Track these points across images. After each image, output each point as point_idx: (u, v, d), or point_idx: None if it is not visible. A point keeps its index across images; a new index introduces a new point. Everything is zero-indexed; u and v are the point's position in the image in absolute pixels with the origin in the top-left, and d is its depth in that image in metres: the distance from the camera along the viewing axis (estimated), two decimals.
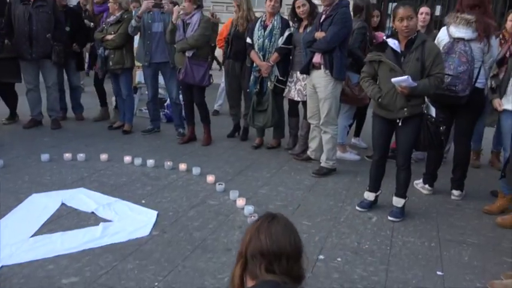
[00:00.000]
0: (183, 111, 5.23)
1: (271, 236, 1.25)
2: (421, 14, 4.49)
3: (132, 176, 3.99)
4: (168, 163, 4.22)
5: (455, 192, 3.86)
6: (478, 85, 3.59)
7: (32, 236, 2.81)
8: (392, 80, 3.06)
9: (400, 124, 3.23)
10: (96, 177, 3.93)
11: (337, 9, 3.91)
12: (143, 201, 3.45)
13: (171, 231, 2.99)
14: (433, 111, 3.22)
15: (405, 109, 3.16)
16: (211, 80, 4.84)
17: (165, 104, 6.03)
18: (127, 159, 4.30)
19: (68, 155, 4.28)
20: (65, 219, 3.09)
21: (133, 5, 5.62)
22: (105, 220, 3.08)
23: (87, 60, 7.26)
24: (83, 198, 3.40)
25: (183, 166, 4.18)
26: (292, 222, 1.34)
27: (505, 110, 3.64)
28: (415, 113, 3.18)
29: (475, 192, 4.01)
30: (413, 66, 3.07)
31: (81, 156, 4.29)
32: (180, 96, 5.38)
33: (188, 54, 4.70)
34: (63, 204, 3.30)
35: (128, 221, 3.08)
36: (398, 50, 3.15)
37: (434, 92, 3.33)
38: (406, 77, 3.00)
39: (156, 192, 3.66)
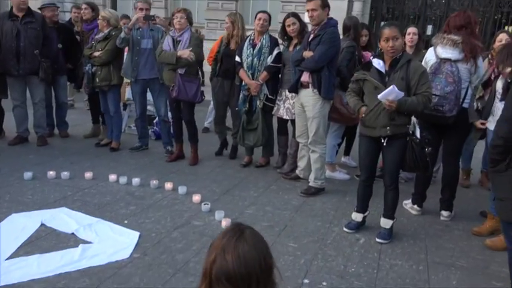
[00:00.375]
0: (172, 128, 5.19)
1: (238, 257, 1.12)
2: (409, 34, 4.51)
3: (117, 195, 3.92)
4: (154, 182, 4.14)
5: (445, 213, 3.82)
6: (465, 105, 3.58)
7: (8, 259, 2.72)
8: (379, 96, 3.04)
9: (385, 144, 3.21)
10: (80, 196, 3.85)
11: (326, 29, 3.91)
12: (126, 222, 3.37)
13: (152, 254, 2.90)
14: (418, 132, 3.19)
15: (388, 127, 3.14)
16: (203, 97, 4.83)
17: (154, 121, 5.98)
18: (112, 177, 4.23)
19: (51, 173, 4.20)
20: (43, 240, 3.00)
21: (124, 22, 5.62)
22: (85, 241, 3.00)
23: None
24: (63, 218, 3.31)
25: (169, 185, 4.11)
26: (262, 236, 1.23)
27: (490, 130, 3.63)
28: (400, 133, 3.16)
29: (465, 213, 3.97)
30: (398, 85, 3.06)
31: (65, 174, 4.21)
32: (169, 113, 5.35)
33: (180, 71, 4.68)
34: (42, 224, 3.21)
35: (109, 242, 3.00)
36: (383, 70, 3.16)
37: (422, 112, 3.32)
38: (391, 87, 2.99)
39: (140, 212, 3.58)
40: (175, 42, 4.70)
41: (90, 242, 2.99)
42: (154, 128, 5.96)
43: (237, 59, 4.73)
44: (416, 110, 3.14)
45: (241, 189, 4.25)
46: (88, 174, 4.26)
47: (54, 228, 3.16)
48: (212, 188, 4.24)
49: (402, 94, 3.01)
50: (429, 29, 11.35)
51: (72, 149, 5.30)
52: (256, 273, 1.13)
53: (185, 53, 4.56)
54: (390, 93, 2.99)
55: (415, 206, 3.92)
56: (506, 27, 10.70)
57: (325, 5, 3.93)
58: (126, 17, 6.37)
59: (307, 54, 3.94)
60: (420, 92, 3.08)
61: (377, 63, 3.17)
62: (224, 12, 12.79)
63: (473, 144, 4.62)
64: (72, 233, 3.10)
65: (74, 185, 4.07)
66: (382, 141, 3.20)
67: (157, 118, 5.75)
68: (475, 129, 3.48)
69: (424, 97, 3.08)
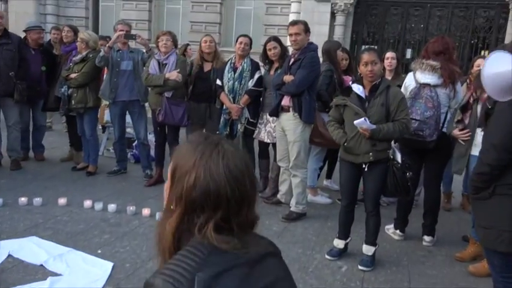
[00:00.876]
0: (154, 151, 5.08)
1: (229, 172, 0.90)
2: (387, 59, 4.55)
3: (91, 222, 3.76)
4: (131, 208, 4.01)
5: (427, 238, 3.77)
6: (445, 130, 3.58)
7: None
8: (354, 122, 3.04)
9: (366, 169, 3.17)
10: (52, 223, 3.68)
11: (306, 53, 3.91)
12: (99, 251, 3.22)
13: (126, 286, 2.77)
14: (399, 157, 3.18)
15: (370, 153, 3.12)
16: (190, 120, 4.79)
17: (134, 144, 5.86)
18: (87, 203, 4.08)
19: (23, 199, 4.03)
20: (9, 273, 2.83)
21: (101, 43, 5.54)
22: (54, 274, 2.84)
23: None
24: (33, 249, 3.15)
25: (146, 211, 3.98)
26: (238, 147, 1.06)
27: (472, 155, 3.63)
28: (381, 158, 3.14)
29: (447, 237, 3.93)
30: (378, 112, 3.05)
31: (37, 200, 4.05)
32: (149, 136, 5.25)
33: (168, 94, 4.63)
34: (10, 255, 3.04)
35: (80, 274, 2.85)
36: (363, 95, 3.15)
37: (403, 137, 3.32)
38: (362, 119, 3.01)
39: (115, 240, 3.44)
40: (161, 66, 4.65)
41: (59, 274, 2.83)
42: (134, 151, 5.84)
43: (218, 82, 4.68)
44: (391, 137, 3.14)
45: None
46: (62, 201, 4.10)
47: (21, 260, 2.99)
48: None
49: (373, 127, 3.03)
50: (409, 53, 11.60)
51: (47, 173, 5.13)
52: (247, 191, 0.93)
53: (173, 74, 4.54)
54: (363, 123, 3.02)
55: (398, 231, 3.87)
56: (482, 52, 11.00)
57: (307, 30, 3.96)
58: (104, 38, 6.29)
59: (288, 78, 3.92)
60: (398, 118, 3.08)
61: (357, 88, 3.17)
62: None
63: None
64: (41, 265, 2.94)
65: (46, 212, 3.90)
66: (364, 166, 3.17)
67: (136, 141, 5.64)
68: (457, 159, 3.45)
69: (402, 124, 3.08)
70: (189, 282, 0.84)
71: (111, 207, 4.03)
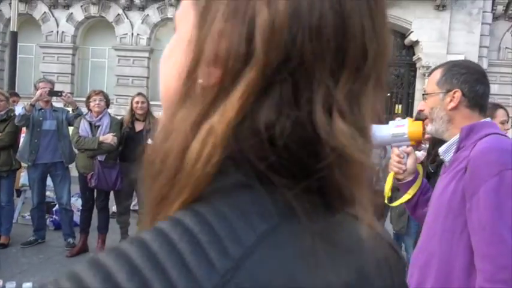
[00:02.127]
0: (80, 217, 4.70)
1: None
2: None
3: None
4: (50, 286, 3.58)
5: None
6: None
7: None
8: None
9: None
10: None
11: None
12: None
13: None
14: None
15: None
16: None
17: (53, 210, 5.37)
18: None
19: None
20: None
21: (13, 99, 5.14)
22: None
23: None
24: None
25: None
26: None
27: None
28: None
29: None
30: None
31: None
32: (72, 199, 4.87)
33: (100, 158, 4.39)
34: None
35: None
36: None
37: None
38: None
39: None
40: (94, 127, 4.41)
41: None
42: (53, 216, 5.34)
43: (150, 142, 4.53)
44: None
45: None
46: None
47: None
48: None
49: None
50: None
51: None
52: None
53: (108, 138, 4.33)
54: None
55: None
56: (396, 106, 12.01)
57: None
58: (16, 94, 5.88)
59: None
60: None
61: None
62: (134, 89, 12.72)
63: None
64: None
65: None
66: None
67: (57, 206, 5.19)
68: (398, 218, 3.54)
69: None
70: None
71: (27, 286, 3.55)
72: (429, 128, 1.51)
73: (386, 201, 1.64)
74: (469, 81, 1.45)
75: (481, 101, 1.47)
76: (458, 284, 1.34)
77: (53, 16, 14.08)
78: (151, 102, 4.87)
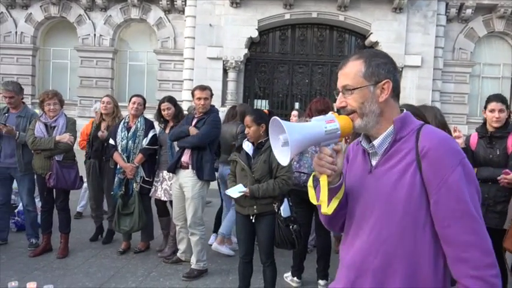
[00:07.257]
0: (40, 217, 4.69)
1: None
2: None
3: None
4: (13, 284, 3.59)
5: (321, 282, 4.00)
6: None
7: None
8: (226, 191, 3.42)
9: (253, 221, 3.35)
10: None
11: (209, 114, 4.13)
12: None
13: None
14: (284, 210, 3.36)
15: (254, 206, 3.31)
16: (82, 182, 4.62)
17: (16, 211, 5.34)
18: None
19: None
20: None
21: None
22: None
23: None
24: None
25: (31, 285, 3.60)
26: None
27: None
28: (266, 211, 3.32)
29: None
30: (261, 168, 3.30)
31: None
32: (36, 200, 4.86)
33: (58, 158, 4.41)
34: None
35: None
36: (250, 153, 3.38)
37: (294, 189, 3.56)
38: (239, 185, 3.31)
39: None
40: (50, 128, 4.42)
41: None
42: (16, 218, 5.31)
43: (111, 141, 4.61)
44: (272, 194, 3.30)
45: (118, 281, 3.93)
46: None
47: None
48: (84, 283, 3.85)
49: (246, 190, 3.25)
50: (296, 105, 12.62)
51: None
52: None
53: (64, 137, 4.37)
54: (232, 192, 3.29)
55: (295, 278, 4.05)
56: None
57: (212, 95, 4.23)
58: None
59: (193, 130, 4.03)
60: (279, 175, 3.31)
61: (246, 145, 3.40)
62: (98, 90, 12.61)
63: None
64: None
65: None
66: (251, 218, 3.34)
67: (20, 207, 5.17)
68: None
69: (282, 181, 3.28)
70: None
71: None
72: (357, 123, 1.39)
73: (325, 210, 1.40)
74: (392, 71, 1.41)
75: (399, 90, 1.44)
76: (429, 278, 1.32)
77: (11, 16, 13.72)
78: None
